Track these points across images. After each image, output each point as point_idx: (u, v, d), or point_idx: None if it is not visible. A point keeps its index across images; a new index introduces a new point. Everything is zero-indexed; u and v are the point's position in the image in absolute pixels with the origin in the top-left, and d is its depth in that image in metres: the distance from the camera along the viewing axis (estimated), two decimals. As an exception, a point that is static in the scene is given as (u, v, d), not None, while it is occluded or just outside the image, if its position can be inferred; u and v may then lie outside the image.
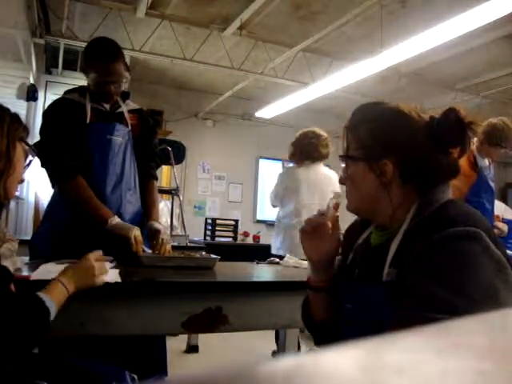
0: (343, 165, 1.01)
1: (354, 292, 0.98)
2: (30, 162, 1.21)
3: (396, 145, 0.92)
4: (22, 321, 0.98)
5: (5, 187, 1.09)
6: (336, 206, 1.03)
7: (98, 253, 1.29)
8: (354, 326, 0.97)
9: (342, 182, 1.02)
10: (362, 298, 0.95)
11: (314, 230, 1.02)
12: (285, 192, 3.19)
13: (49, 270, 1.33)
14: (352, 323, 0.98)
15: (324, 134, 3.19)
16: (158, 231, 1.85)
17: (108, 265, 1.38)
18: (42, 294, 1.04)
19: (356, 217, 1.10)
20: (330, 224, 1.02)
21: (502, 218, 5.90)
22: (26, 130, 1.15)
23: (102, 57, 1.82)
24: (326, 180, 3.11)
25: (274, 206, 3.35)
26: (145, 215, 1.97)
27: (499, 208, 5.81)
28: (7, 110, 1.12)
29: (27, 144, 1.17)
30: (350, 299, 0.99)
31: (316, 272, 1.07)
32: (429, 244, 0.81)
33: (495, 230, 3.05)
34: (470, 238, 0.80)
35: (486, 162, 2.89)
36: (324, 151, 3.12)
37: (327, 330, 1.08)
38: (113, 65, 1.81)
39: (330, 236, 1.02)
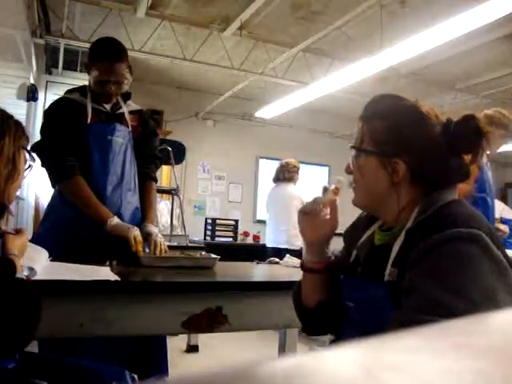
0: (352, 154, 0.99)
1: (356, 290, 0.98)
2: (30, 168, 1.21)
3: (411, 144, 0.92)
4: (19, 306, 0.97)
5: (9, 192, 1.11)
6: (336, 191, 1.04)
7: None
8: (355, 324, 0.97)
9: (348, 171, 1.01)
10: (364, 297, 0.94)
11: (311, 212, 1.04)
12: (267, 203, 4.68)
13: (49, 270, 1.33)
14: (353, 321, 0.97)
15: (292, 163, 4.42)
16: (149, 234, 1.84)
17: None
18: (20, 275, 1.03)
19: (358, 211, 1.10)
20: (327, 208, 1.04)
21: (501, 218, 5.88)
22: (27, 138, 1.17)
23: (104, 55, 1.81)
24: (288, 195, 4.35)
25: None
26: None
27: (498, 207, 5.79)
28: (12, 117, 1.13)
29: (28, 152, 1.18)
30: (352, 297, 0.99)
31: (309, 253, 1.08)
32: (429, 244, 0.81)
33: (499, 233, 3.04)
34: (471, 239, 0.80)
35: (485, 159, 2.91)
36: (287, 175, 4.37)
37: (316, 317, 1.09)
38: (114, 64, 1.81)
39: (325, 218, 1.05)
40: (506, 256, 0.82)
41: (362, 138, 0.98)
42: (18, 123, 1.14)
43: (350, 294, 1.00)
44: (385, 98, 0.99)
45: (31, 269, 1.17)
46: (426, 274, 0.79)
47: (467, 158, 0.94)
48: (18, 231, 1.16)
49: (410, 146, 0.92)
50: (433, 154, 0.92)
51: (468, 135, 0.91)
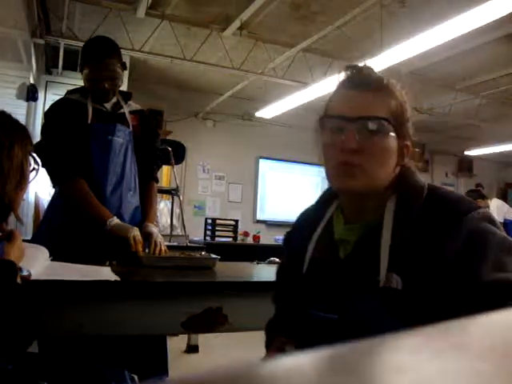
0: (368, 126, 0.83)
1: (340, 299, 0.87)
2: (36, 172, 1.20)
3: (407, 128, 0.89)
4: (20, 309, 0.97)
5: (17, 200, 1.10)
6: None
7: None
8: (341, 338, 0.90)
9: (356, 147, 0.82)
10: (353, 306, 0.85)
11: None
12: None
13: (49, 270, 1.33)
14: (339, 336, 0.83)
15: None
16: (150, 234, 1.84)
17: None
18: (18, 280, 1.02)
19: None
20: None
21: (505, 219, 5.90)
22: (31, 143, 1.16)
23: (94, 54, 1.83)
24: None
25: None
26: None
27: (502, 209, 5.78)
28: (18, 122, 1.12)
29: (33, 157, 1.17)
30: (334, 308, 0.88)
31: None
32: (463, 235, 0.76)
33: None
34: (491, 220, 0.79)
35: None
36: None
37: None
38: (104, 62, 1.81)
39: None
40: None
41: (376, 110, 0.84)
42: (24, 129, 1.13)
43: (330, 303, 0.88)
44: (390, 80, 0.92)
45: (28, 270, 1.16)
46: (484, 263, 0.74)
47: None
48: (8, 237, 1.10)
49: (407, 130, 0.89)
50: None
51: None
